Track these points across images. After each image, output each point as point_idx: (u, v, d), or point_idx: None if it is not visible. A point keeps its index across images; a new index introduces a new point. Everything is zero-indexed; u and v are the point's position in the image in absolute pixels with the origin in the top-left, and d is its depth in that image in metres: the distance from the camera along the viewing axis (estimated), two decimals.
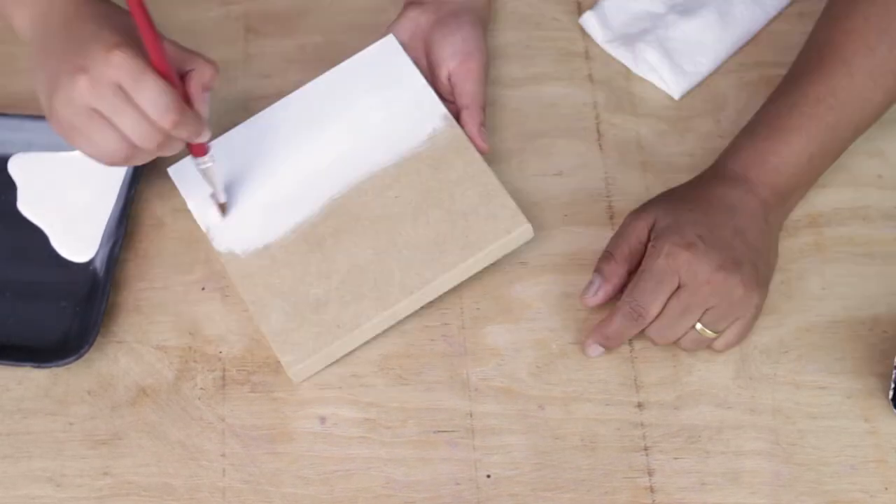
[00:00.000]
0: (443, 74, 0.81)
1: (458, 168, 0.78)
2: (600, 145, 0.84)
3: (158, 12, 0.90)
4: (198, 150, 0.74)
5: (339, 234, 0.77)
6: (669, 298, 0.72)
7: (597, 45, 0.88)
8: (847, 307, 0.77)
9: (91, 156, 0.70)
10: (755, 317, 0.74)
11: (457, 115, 0.80)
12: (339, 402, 0.75)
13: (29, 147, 0.83)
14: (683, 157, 0.83)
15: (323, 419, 0.74)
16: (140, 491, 0.72)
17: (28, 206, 0.81)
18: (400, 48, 0.82)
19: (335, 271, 0.76)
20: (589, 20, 0.88)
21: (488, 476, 0.72)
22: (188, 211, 0.81)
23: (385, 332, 0.77)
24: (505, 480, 0.72)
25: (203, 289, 0.79)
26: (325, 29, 0.89)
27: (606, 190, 0.82)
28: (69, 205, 0.81)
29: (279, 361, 0.76)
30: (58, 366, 0.74)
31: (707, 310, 0.72)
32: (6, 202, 0.81)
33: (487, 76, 0.82)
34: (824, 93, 0.75)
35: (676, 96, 0.86)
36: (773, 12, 0.88)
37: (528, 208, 0.79)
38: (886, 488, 0.71)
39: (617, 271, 0.75)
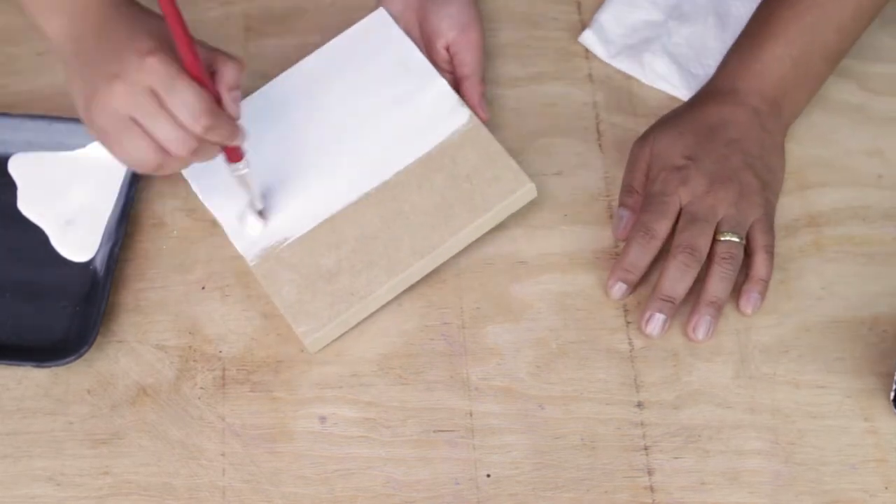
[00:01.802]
0: (440, 45, 0.82)
1: (461, 135, 0.79)
2: (600, 145, 0.84)
3: (159, 11, 0.90)
4: (233, 156, 0.73)
5: (345, 204, 0.78)
6: (679, 217, 0.76)
7: None
8: (847, 307, 0.77)
9: (124, 162, 0.70)
10: (769, 215, 0.77)
11: (455, 86, 0.81)
12: (339, 402, 0.75)
13: (29, 147, 0.83)
14: None
15: (323, 419, 0.74)
16: (140, 490, 0.72)
17: (28, 206, 0.81)
18: (391, 21, 0.83)
19: (344, 241, 0.77)
20: (589, 39, 0.88)
21: (488, 475, 0.72)
22: (188, 210, 0.81)
23: (385, 331, 0.77)
24: (505, 480, 0.72)
25: (203, 288, 0.79)
26: (324, 29, 0.89)
27: (606, 190, 0.82)
28: (69, 205, 0.81)
29: (279, 361, 0.76)
30: (58, 365, 0.74)
31: (720, 221, 0.75)
32: (6, 202, 0.81)
33: (484, 46, 0.83)
34: None
35: None
36: None
37: (529, 208, 0.79)
38: (886, 487, 0.71)
39: (640, 201, 0.79)
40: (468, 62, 0.81)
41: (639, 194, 0.79)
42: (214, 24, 0.90)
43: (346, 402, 0.75)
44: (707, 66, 0.86)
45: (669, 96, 0.86)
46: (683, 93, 0.86)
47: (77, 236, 0.80)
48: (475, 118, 0.80)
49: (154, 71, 0.65)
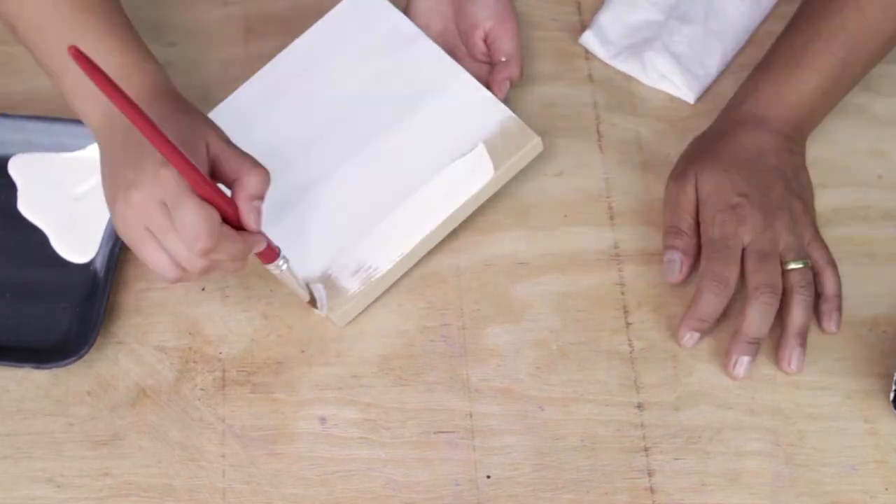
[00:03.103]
0: (478, 36, 0.82)
1: (460, 97, 0.80)
2: (600, 145, 0.84)
3: (159, 13, 0.90)
4: (265, 257, 0.71)
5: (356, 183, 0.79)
6: (743, 258, 0.74)
7: None
8: (847, 307, 0.77)
9: (151, 268, 0.68)
10: (817, 231, 0.77)
11: (488, 75, 0.82)
12: (339, 403, 0.75)
13: (29, 147, 0.83)
14: None
15: (323, 420, 0.74)
16: (140, 492, 0.72)
17: (28, 206, 0.81)
18: None
19: (360, 216, 0.77)
20: (589, 40, 0.88)
21: (488, 477, 0.72)
22: None
23: (385, 332, 0.77)
24: (505, 481, 0.72)
25: (203, 289, 0.79)
26: None
27: (606, 190, 0.82)
28: (69, 205, 0.81)
29: (279, 362, 0.76)
30: (58, 366, 0.74)
31: (782, 251, 0.75)
32: (6, 202, 0.81)
33: (521, 36, 0.83)
34: (836, 28, 0.78)
35: (691, 101, 0.86)
36: (767, 5, 0.89)
37: (528, 208, 0.79)
38: (886, 489, 0.71)
39: (691, 242, 0.77)
40: (505, 49, 0.81)
41: (688, 236, 0.77)
42: (215, 25, 0.90)
43: (347, 403, 0.75)
44: (707, 66, 0.86)
45: (670, 97, 0.86)
46: (685, 92, 0.85)
47: (77, 237, 0.80)
48: (472, 79, 0.80)
49: (165, 184, 0.64)
